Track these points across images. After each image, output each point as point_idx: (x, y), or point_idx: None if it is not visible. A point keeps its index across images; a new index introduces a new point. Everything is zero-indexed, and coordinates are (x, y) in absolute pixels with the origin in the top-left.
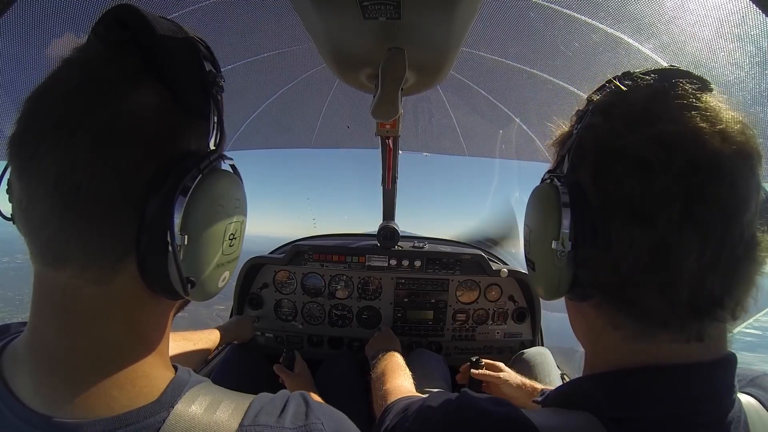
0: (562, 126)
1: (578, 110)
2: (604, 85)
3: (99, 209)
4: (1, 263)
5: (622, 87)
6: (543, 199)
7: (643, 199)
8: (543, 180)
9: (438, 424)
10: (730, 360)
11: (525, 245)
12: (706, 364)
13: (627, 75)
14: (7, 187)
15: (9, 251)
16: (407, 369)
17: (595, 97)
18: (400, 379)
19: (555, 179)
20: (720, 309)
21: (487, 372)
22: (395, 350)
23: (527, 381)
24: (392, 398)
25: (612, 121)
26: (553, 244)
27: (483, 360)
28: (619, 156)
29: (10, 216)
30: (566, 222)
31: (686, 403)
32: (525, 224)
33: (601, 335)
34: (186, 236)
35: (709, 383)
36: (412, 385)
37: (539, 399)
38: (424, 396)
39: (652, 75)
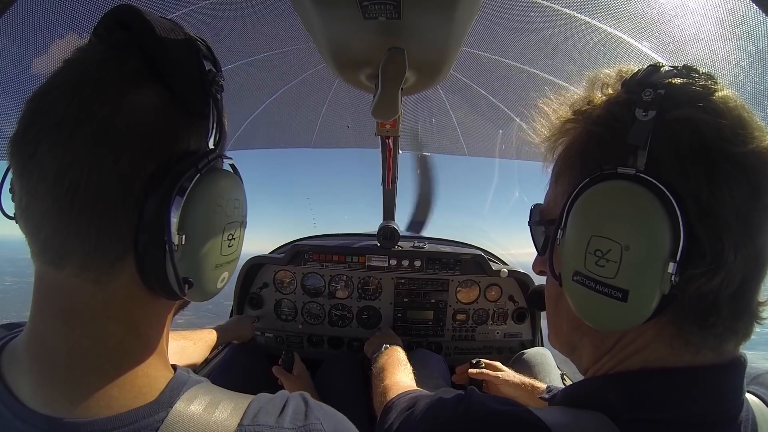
0: (557, 111)
1: (622, 93)
2: (650, 69)
3: (97, 208)
4: None
5: (685, 79)
6: (646, 206)
7: (750, 213)
8: (609, 176)
9: (448, 424)
10: (742, 360)
11: (601, 269)
12: (722, 366)
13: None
14: (10, 187)
15: None
16: (408, 364)
17: (636, 83)
18: (399, 375)
19: (641, 178)
20: (763, 309)
21: (486, 371)
22: (397, 345)
23: (526, 379)
24: (392, 395)
25: (717, 121)
26: (670, 267)
27: (483, 361)
28: (734, 163)
29: (13, 215)
30: (681, 236)
31: (700, 405)
32: (603, 237)
33: (635, 342)
34: (183, 236)
35: (724, 384)
36: (413, 381)
37: (547, 396)
38: (423, 392)
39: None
